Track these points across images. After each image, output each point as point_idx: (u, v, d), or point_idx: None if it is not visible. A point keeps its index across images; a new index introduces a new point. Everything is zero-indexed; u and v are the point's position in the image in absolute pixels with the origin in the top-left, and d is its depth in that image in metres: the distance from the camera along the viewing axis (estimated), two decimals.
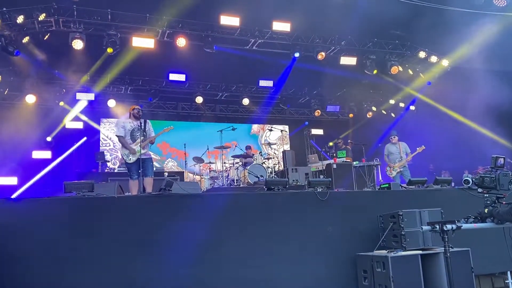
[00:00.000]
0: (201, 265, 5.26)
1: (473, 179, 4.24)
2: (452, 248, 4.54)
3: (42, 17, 9.84)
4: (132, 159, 7.10)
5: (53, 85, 13.14)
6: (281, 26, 11.34)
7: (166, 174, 10.64)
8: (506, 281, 6.21)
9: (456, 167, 13.97)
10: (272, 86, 14.89)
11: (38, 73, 12.14)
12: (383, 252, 5.43)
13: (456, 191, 7.11)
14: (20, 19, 9.61)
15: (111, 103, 13.73)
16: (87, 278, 4.85)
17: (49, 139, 13.30)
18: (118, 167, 12.07)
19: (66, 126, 13.67)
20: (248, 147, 12.20)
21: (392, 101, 16.56)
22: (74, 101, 13.51)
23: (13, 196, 11.57)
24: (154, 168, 8.20)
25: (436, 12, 9.97)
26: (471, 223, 4.22)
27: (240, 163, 11.02)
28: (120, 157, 10.32)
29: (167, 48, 11.31)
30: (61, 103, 13.46)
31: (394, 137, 10.65)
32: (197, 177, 11.92)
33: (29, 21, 9.87)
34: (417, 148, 10.43)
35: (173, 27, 11.03)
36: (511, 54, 11.02)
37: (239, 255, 5.47)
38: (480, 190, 4.25)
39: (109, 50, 10.55)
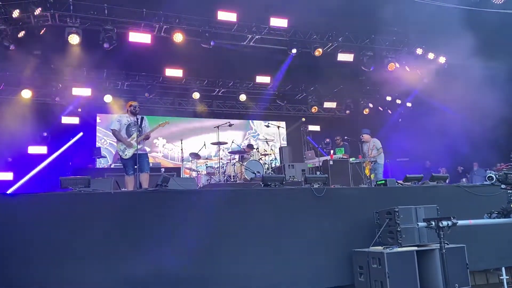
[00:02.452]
0: (198, 260, 5.26)
1: (497, 176, 4.38)
2: (447, 244, 4.57)
3: (38, 11, 9.77)
4: (127, 154, 7.08)
5: (49, 80, 13.06)
6: (278, 22, 11.32)
7: (163, 170, 10.62)
8: (501, 277, 6.25)
9: (452, 164, 14.05)
10: (269, 82, 14.87)
11: (34, 68, 12.06)
12: (379, 248, 5.45)
13: (452, 188, 7.16)
14: (16, 13, 9.54)
15: (108, 98, 13.67)
16: (83, 273, 4.84)
17: (45, 134, 13.23)
18: (114, 163, 12.05)
19: (62, 122, 13.62)
20: (249, 146, 12.16)
21: (388, 98, 16.59)
22: (70, 96, 13.44)
23: (9, 191, 11.52)
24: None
25: (433, 9, 9.98)
26: (494, 218, 4.35)
27: (237, 159, 11.01)
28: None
29: (164, 44, 11.26)
30: (57, 98, 13.39)
31: (362, 135, 10.59)
32: (194, 173, 11.89)
33: (25, 16, 9.81)
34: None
35: (170, 23, 10.99)
36: (508, 51, 11.06)
37: (235, 250, 5.47)
38: (503, 186, 4.45)
39: (105, 45, 10.48)
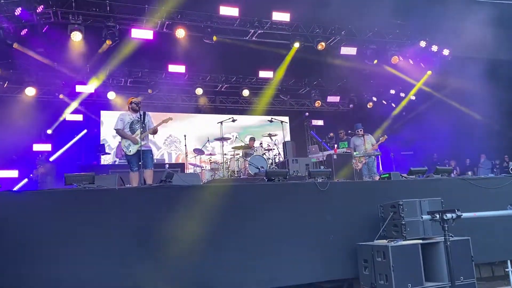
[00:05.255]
0: (202, 256, 5.27)
1: None
2: (452, 237, 4.56)
3: (40, 9, 9.78)
4: (132, 151, 7.10)
5: (52, 77, 13.09)
6: (280, 16, 11.28)
7: (167, 166, 10.64)
8: (506, 270, 6.23)
9: (459, 156, 13.99)
10: (272, 77, 14.84)
11: (37, 65, 12.09)
12: (384, 242, 5.45)
13: (456, 181, 7.13)
14: (18, 11, 9.55)
15: (111, 95, 13.71)
16: (87, 270, 4.87)
17: (49, 131, 13.30)
18: (119, 159, 12.07)
19: (66, 119, 13.66)
20: (252, 139, 12.16)
21: (392, 91, 16.52)
22: (74, 94, 13.48)
23: (15, 188, 11.60)
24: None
25: (436, 1, 9.91)
26: None
27: (241, 154, 11.01)
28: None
29: (166, 40, 11.25)
30: (61, 96, 13.44)
31: (360, 130, 10.65)
32: (198, 169, 11.91)
33: (27, 13, 9.81)
34: (380, 138, 10.51)
35: (172, 18, 10.98)
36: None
37: (239, 246, 5.49)
38: None
39: (108, 42, 10.51)
